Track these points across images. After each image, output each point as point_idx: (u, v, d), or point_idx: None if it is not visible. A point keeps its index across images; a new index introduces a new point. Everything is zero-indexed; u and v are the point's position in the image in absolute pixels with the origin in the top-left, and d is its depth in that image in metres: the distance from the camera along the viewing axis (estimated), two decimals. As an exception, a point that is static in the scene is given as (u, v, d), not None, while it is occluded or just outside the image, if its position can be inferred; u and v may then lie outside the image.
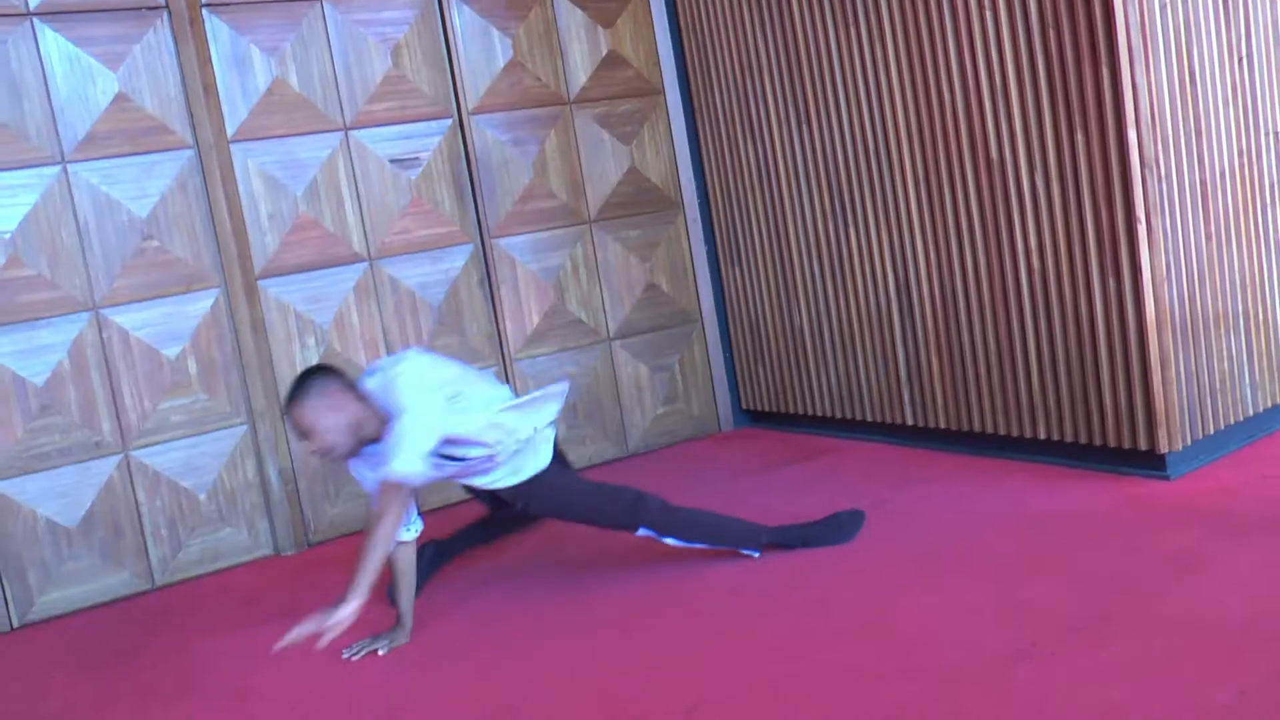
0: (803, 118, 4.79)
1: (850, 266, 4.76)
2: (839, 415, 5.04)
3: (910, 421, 4.68)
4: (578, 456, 5.15)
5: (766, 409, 5.45)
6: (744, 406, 5.58)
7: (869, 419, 4.89)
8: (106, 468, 4.31)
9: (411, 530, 3.39)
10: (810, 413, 5.18)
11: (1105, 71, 3.65)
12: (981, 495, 3.95)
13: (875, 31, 4.38)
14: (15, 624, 4.17)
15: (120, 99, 4.28)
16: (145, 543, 4.36)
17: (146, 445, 4.36)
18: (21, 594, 4.18)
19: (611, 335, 5.26)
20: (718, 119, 5.26)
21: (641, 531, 3.50)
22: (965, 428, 4.47)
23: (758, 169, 5.10)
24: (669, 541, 3.54)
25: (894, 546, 3.55)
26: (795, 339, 5.13)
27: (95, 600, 4.29)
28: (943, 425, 4.55)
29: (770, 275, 5.18)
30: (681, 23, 5.31)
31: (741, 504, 4.19)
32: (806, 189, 4.87)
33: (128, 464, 4.34)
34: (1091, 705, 2.37)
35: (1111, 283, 3.80)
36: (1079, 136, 3.77)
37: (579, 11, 5.12)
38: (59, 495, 4.24)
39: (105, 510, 4.31)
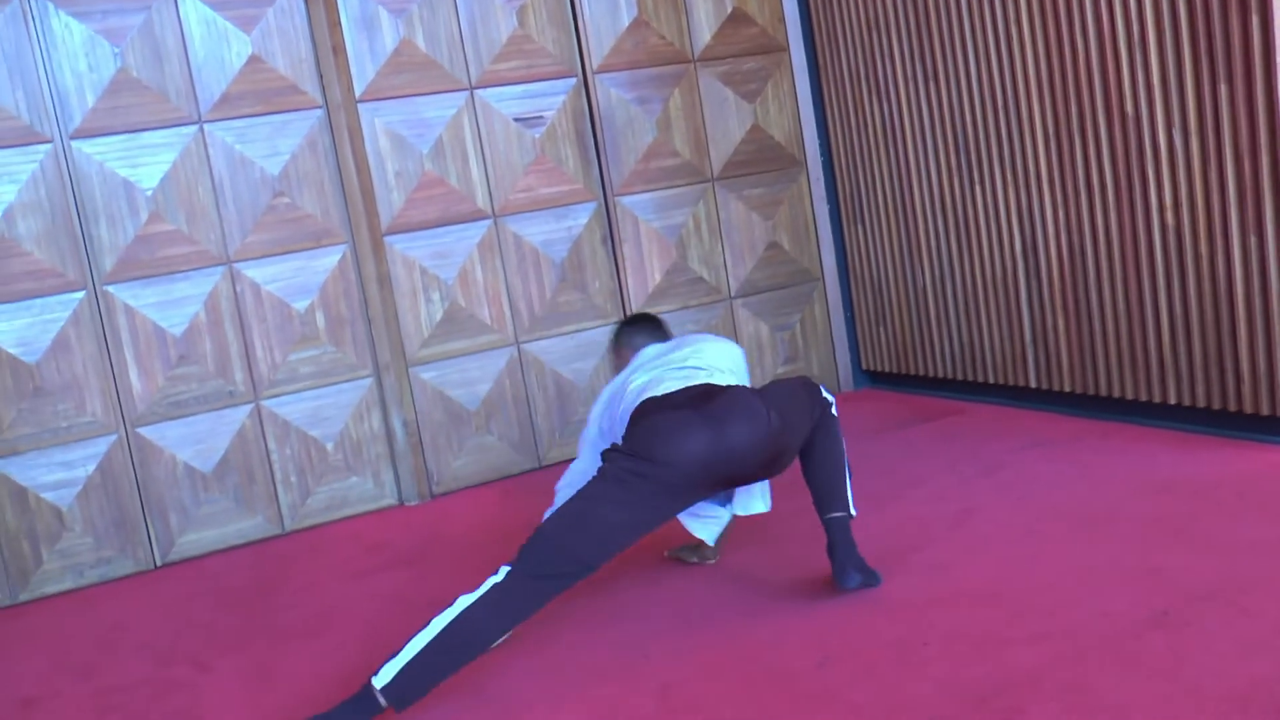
0: (929, 74, 4.68)
1: (975, 226, 4.65)
2: (961, 377, 4.95)
3: (1034, 384, 4.58)
4: (696, 415, 5.16)
5: (887, 370, 5.38)
6: (864, 367, 5.52)
7: (992, 381, 4.79)
8: (239, 416, 4.47)
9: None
10: (932, 374, 5.10)
11: (1255, 19, 3.48)
12: (1108, 460, 3.84)
13: (1007, -18, 4.26)
14: (158, 562, 4.38)
15: (253, 60, 4.39)
16: (276, 489, 4.52)
17: (276, 395, 4.51)
18: (164, 534, 4.38)
19: (733, 294, 5.25)
20: (842, 76, 5.17)
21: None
22: (1092, 391, 4.34)
23: (882, 127, 5.00)
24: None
25: (1016, 511, 3.48)
26: (918, 299, 5.05)
27: (230, 543, 4.47)
28: (1068, 388, 4.44)
29: (893, 234, 5.10)
30: (808, -23, 5.23)
31: (865, 464, 4.16)
32: (932, 147, 4.77)
33: (259, 413, 4.49)
34: (1231, 676, 2.29)
35: (1253, 239, 3.64)
36: (1222, 88, 3.61)
37: (703, -33, 5.09)
38: (196, 441, 4.42)
39: (239, 457, 4.47)
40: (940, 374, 5.05)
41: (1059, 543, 3.18)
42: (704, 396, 2.91)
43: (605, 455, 2.87)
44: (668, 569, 3.47)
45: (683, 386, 2.97)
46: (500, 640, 2.70)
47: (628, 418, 2.95)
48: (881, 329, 5.33)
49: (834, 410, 3.17)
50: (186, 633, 3.59)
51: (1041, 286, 4.42)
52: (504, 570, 2.65)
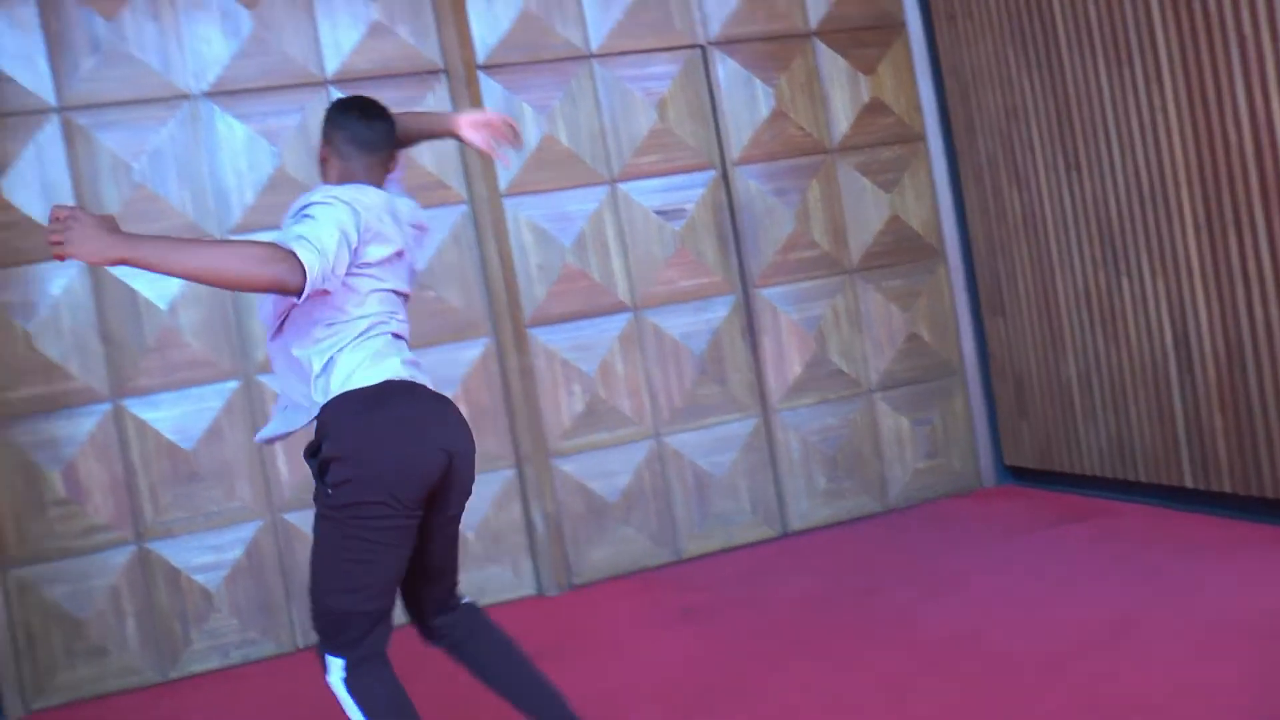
0: (1072, 162, 4.61)
1: (1123, 318, 4.52)
2: (1110, 475, 4.77)
3: (1190, 484, 4.38)
4: (837, 510, 5.09)
5: (1031, 466, 5.22)
6: (1007, 463, 5.37)
7: (1144, 480, 4.61)
8: (385, 505, 4.54)
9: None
10: (1078, 471, 4.93)
11: None
12: (1275, 569, 3.64)
13: (1151, 70, 4.18)
14: (300, 645, 4.44)
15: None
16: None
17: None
18: (304, 618, 4.44)
19: (872, 387, 5.18)
20: (981, 165, 5.12)
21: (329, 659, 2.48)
22: (1255, 492, 4.14)
23: (1023, 216, 4.93)
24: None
25: (1182, 620, 3.32)
26: (1062, 393, 4.91)
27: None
28: (1228, 489, 4.24)
29: (1036, 326, 4.99)
30: (944, 67, 5.21)
31: (1012, 565, 4.04)
32: (1075, 237, 4.67)
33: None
34: None
35: None
36: (1396, 179, 3.47)
37: (840, 59, 5.11)
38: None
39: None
40: (1087, 471, 4.88)
41: (1230, 659, 3.01)
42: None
43: (320, 486, 2.44)
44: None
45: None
46: None
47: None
48: (1024, 423, 5.19)
49: None
50: (337, 714, 3.62)
51: (1196, 381, 4.26)
52: (338, 662, 2.45)
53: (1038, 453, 5.15)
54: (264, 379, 4.43)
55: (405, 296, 2.60)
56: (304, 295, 2.23)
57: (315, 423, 2.48)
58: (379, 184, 2.61)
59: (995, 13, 4.85)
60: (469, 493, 2.60)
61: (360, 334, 2.45)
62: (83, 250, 2.13)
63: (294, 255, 2.20)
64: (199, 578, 4.38)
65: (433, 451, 2.44)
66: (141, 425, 4.34)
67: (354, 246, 2.37)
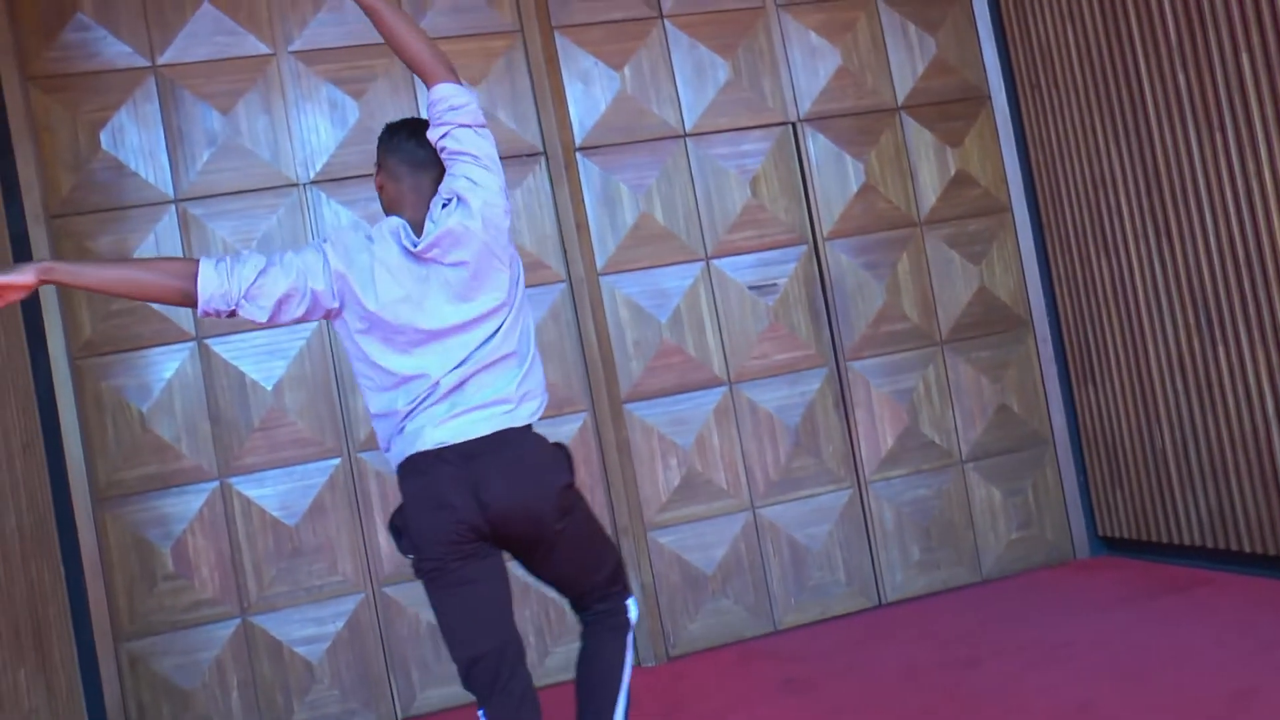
0: (1162, 231, 4.61)
1: (1220, 386, 4.48)
2: (1210, 545, 4.70)
3: (1297, 554, 4.32)
4: (931, 580, 5.07)
5: (1125, 536, 5.16)
6: (1100, 533, 5.31)
7: (1246, 550, 4.53)
8: (483, 579, 4.60)
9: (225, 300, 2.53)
10: (1175, 541, 4.86)
11: None
12: (1401, 639, 3.57)
13: (1245, 137, 4.18)
14: (399, 716, 4.52)
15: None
16: (516, 652, 4.60)
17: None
18: (405, 689, 4.55)
19: (964, 458, 5.17)
20: (1068, 235, 5.14)
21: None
22: (1369, 562, 4.07)
23: (1112, 285, 4.92)
24: None
25: (1304, 692, 3.26)
26: (1157, 463, 4.86)
27: (469, 700, 4.54)
28: (1339, 559, 4.17)
29: (1128, 396, 4.96)
30: (1029, 138, 5.26)
31: (1116, 638, 3.99)
32: (1167, 305, 4.65)
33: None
34: None
35: None
36: None
37: (927, 133, 5.18)
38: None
39: (482, 620, 4.58)
40: (1185, 541, 4.81)
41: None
42: None
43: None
44: None
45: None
46: None
47: None
48: (1118, 493, 5.14)
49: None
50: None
51: (1302, 449, 4.21)
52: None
53: (1132, 523, 5.09)
54: (365, 456, 4.53)
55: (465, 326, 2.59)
56: (199, 309, 2.48)
57: None
58: (428, 203, 2.68)
59: (1081, 83, 4.90)
60: (544, 524, 2.59)
61: (408, 409, 2.59)
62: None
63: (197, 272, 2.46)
64: (301, 650, 4.46)
65: (448, 514, 2.50)
66: (247, 502, 4.46)
67: (315, 290, 2.55)
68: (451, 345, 2.57)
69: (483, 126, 2.67)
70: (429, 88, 2.66)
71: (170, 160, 4.47)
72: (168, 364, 4.44)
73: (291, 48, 4.59)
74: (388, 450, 2.68)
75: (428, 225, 2.60)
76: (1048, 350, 5.30)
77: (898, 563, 5.04)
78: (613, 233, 4.79)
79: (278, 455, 4.48)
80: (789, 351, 4.96)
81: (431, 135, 2.67)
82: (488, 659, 2.54)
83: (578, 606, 2.83)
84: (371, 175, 4.56)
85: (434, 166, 2.71)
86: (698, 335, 4.87)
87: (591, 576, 2.75)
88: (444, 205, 2.60)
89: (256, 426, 4.47)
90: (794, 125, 5.03)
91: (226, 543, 4.44)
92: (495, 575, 2.60)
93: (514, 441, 2.57)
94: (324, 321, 4.46)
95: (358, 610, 4.51)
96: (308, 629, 4.48)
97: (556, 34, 4.80)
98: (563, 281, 4.73)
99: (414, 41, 2.66)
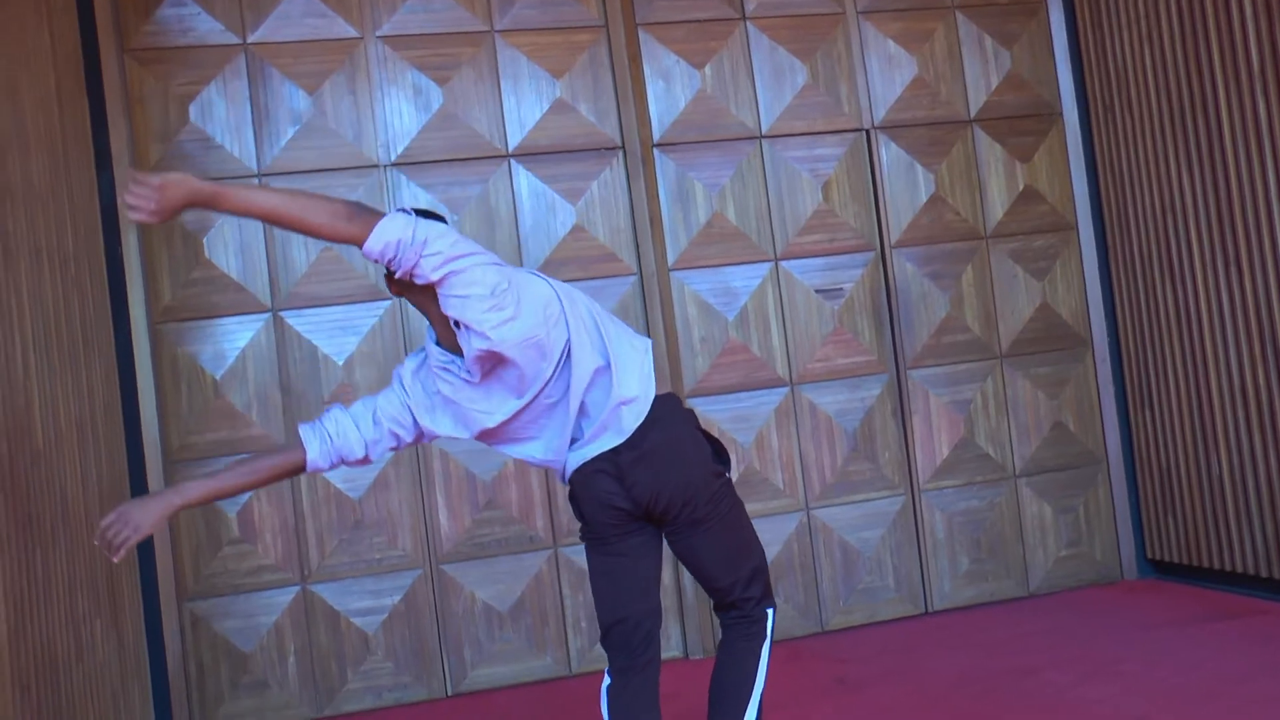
0: (1231, 261, 4.61)
1: (1284, 416, 4.48)
2: (1264, 574, 4.69)
3: (1354, 586, 4.31)
4: (979, 591, 5.11)
5: (1174, 560, 5.16)
6: (1149, 556, 5.32)
7: (1300, 580, 4.54)
8: (538, 561, 4.69)
9: (332, 453, 2.73)
10: (1227, 568, 4.86)
11: None
12: None
13: (1325, 171, 4.19)
14: (449, 692, 4.61)
15: (576, 229, 4.76)
16: (566, 633, 4.68)
17: (574, 544, 4.71)
18: (458, 666, 4.63)
19: (1017, 472, 5.20)
20: (1133, 257, 5.15)
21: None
22: None
23: (1176, 311, 4.93)
24: None
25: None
26: (1213, 489, 4.86)
27: (519, 680, 4.65)
28: (1395, 593, 4.17)
29: (1185, 421, 4.96)
30: (1099, 158, 5.28)
31: (1167, 659, 4.01)
32: (1233, 334, 4.65)
33: (555, 559, 4.70)
34: None
35: None
36: None
37: (998, 146, 5.21)
38: (495, 581, 4.66)
39: (534, 599, 4.68)
40: (1237, 569, 4.81)
41: None
42: None
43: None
44: None
45: None
46: None
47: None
48: (1170, 518, 5.14)
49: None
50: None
51: (1363, 482, 4.21)
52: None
53: (1183, 548, 5.09)
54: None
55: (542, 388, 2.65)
56: (365, 249, 2.39)
57: None
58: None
59: (1155, 106, 4.91)
60: (691, 504, 2.69)
61: (549, 459, 2.78)
62: (165, 200, 2.27)
63: (373, 218, 2.38)
64: (358, 621, 4.56)
65: (604, 499, 2.68)
66: (312, 473, 4.55)
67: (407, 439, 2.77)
68: (545, 412, 2.70)
69: (429, 246, 2.42)
70: (361, 250, 2.44)
71: (255, 136, 4.58)
72: (243, 333, 4.55)
73: (379, 32, 4.69)
74: None
75: (465, 352, 2.61)
76: (1106, 371, 5.31)
77: (946, 572, 5.08)
78: (685, 229, 4.86)
79: (345, 430, 4.57)
80: (851, 356, 5.02)
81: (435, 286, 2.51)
82: (624, 625, 2.70)
83: (719, 607, 2.90)
84: (450, 160, 4.69)
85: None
86: (763, 335, 4.93)
87: (732, 572, 2.81)
88: (458, 329, 2.56)
89: (326, 400, 4.57)
90: (868, 132, 5.08)
91: (291, 511, 4.54)
92: (645, 553, 2.74)
93: (649, 431, 2.67)
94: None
95: (415, 585, 4.61)
96: (365, 601, 4.58)
97: (640, 31, 4.88)
98: (633, 275, 4.81)
99: (320, 221, 2.37)
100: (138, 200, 2.26)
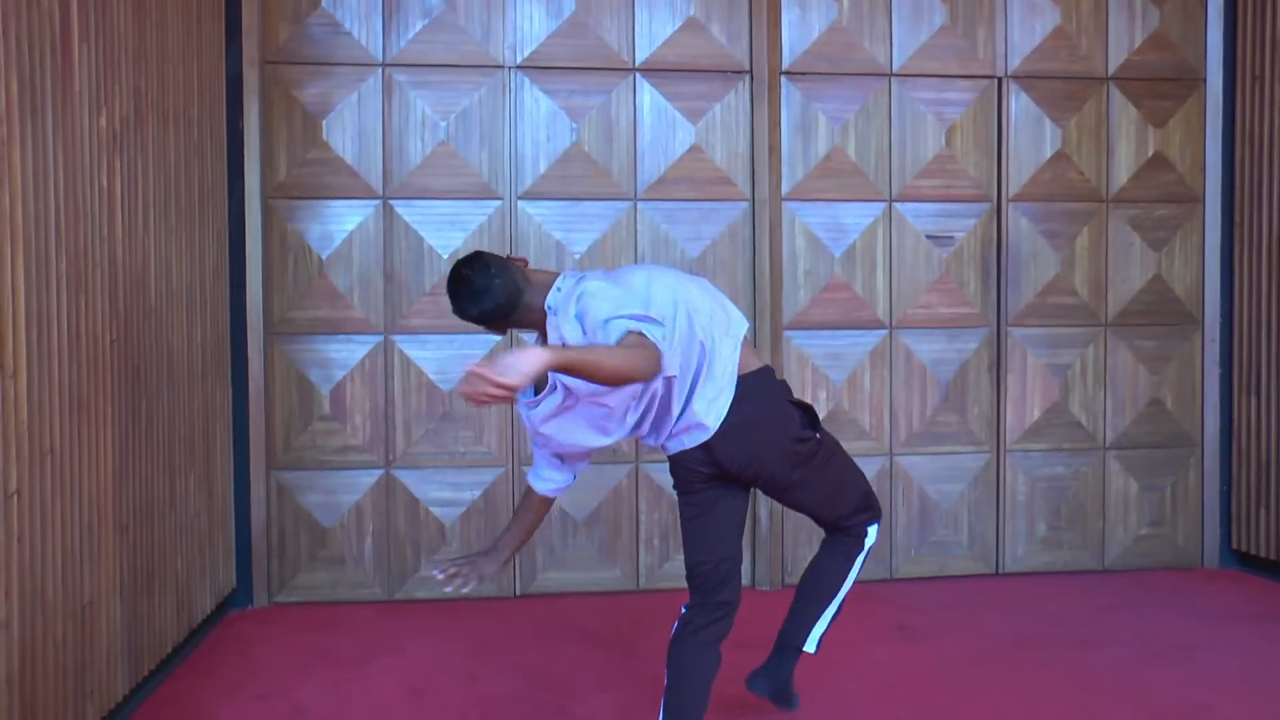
0: (1366, 250, 4.44)
1: (1399, 418, 4.33)
2: (1351, 576, 4.59)
3: None
4: (1053, 559, 5.06)
5: (1260, 554, 5.04)
6: (1234, 546, 5.20)
7: (1390, 588, 4.42)
8: (619, 474, 4.75)
9: (551, 483, 3.08)
10: (1315, 567, 4.75)
11: None
12: None
13: None
14: (518, 592, 4.71)
15: (694, 150, 4.72)
16: (638, 548, 4.75)
17: (656, 461, 4.75)
18: (528, 567, 4.73)
19: (1107, 444, 5.10)
20: (1259, 237, 4.97)
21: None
22: None
23: (1298, 297, 4.76)
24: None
25: None
26: (1312, 485, 4.73)
27: (586, 588, 4.74)
28: None
29: (1293, 412, 4.82)
30: (1238, 131, 5.07)
31: (1239, 649, 3.95)
32: (1356, 327, 4.49)
33: (636, 474, 4.75)
34: None
35: None
36: None
37: (1133, 108, 5.04)
38: (573, 489, 4.67)
39: (610, 512, 4.74)
40: (1327, 569, 4.70)
41: None
42: None
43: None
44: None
45: None
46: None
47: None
48: (1262, 510, 5.02)
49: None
50: (553, 662, 3.82)
51: None
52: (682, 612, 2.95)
53: (1272, 542, 4.97)
54: (528, 337, 4.65)
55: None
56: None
57: None
58: None
59: (1307, 85, 4.71)
60: (777, 473, 2.93)
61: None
62: (517, 374, 2.21)
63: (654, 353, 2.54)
64: (436, 510, 4.66)
65: (695, 465, 2.91)
66: (407, 361, 4.64)
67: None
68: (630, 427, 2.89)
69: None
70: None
71: (384, 26, 4.60)
72: (352, 217, 4.61)
73: (517, -69, 4.66)
74: None
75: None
76: (1214, 351, 5.16)
77: (1022, 535, 5.03)
78: (803, 161, 4.80)
79: (443, 322, 4.63)
80: (954, 307, 4.94)
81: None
82: (703, 566, 2.93)
83: (827, 531, 3.19)
84: (575, 69, 4.67)
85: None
86: (868, 275, 4.88)
87: (834, 512, 3.09)
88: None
89: (427, 291, 4.63)
90: (1000, 80, 4.94)
91: (382, 396, 4.64)
92: (726, 504, 2.95)
93: (736, 414, 2.84)
94: (507, 200, 4.60)
95: (496, 483, 4.69)
96: (445, 492, 4.68)
97: (782, -46, 4.79)
98: (746, 201, 4.77)
99: (625, 371, 2.46)
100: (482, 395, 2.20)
